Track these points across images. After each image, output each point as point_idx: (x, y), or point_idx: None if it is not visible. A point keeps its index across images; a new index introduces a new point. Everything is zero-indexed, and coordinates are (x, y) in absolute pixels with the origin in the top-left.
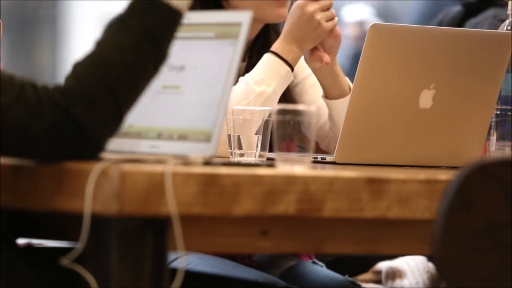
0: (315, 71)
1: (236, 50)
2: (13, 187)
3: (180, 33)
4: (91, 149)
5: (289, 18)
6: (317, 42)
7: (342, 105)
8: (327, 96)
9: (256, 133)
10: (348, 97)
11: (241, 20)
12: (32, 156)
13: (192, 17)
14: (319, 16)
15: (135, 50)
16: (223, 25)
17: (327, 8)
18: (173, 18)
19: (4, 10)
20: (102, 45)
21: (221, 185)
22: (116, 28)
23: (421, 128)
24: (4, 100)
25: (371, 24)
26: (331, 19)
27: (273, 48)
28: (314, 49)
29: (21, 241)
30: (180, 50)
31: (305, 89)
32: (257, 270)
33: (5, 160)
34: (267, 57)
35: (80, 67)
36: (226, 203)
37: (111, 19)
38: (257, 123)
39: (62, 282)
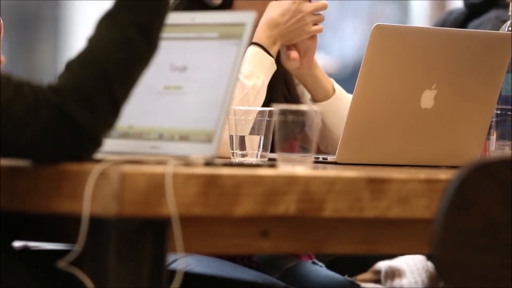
0: (294, 73)
1: (239, 50)
2: (11, 189)
3: (183, 33)
4: (89, 146)
5: (279, 7)
6: (294, 41)
7: (327, 107)
8: (313, 99)
9: (257, 134)
10: (332, 99)
11: (245, 21)
12: (30, 156)
13: (195, 18)
14: (309, 19)
15: (126, 46)
16: (226, 25)
17: (319, 10)
18: (162, 8)
19: (4, 9)
20: (94, 42)
21: (222, 185)
22: (107, 24)
23: (422, 128)
24: (2, 99)
25: (374, 25)
26: (317, 22)
27: (257, 40)
28: (288, 48)
29: (17, 243)
30: (183, 51)
31: None
32: (256, 271)
33: (3, 162)
34: (252, 50)
35: (73, 65)
36: (227, 203)
37: (101, 14)
38: (252, 122)
39: (60, 285)
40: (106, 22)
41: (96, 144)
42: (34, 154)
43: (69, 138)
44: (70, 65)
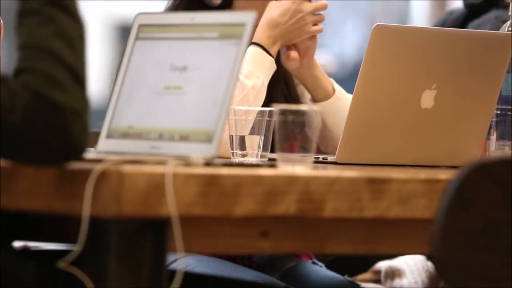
0: (294, 73)
1: (239, 50)
2: (10, 189)
3: (183, 33)
4: (71, 120)
5: (278, 7)
6: (294, 41)
7: (327, 107)
8: (313, 99)
9: (257, 134)
10: (332, 99)
11: (245, 21)
12: (20, 150)
13: (195, 18)
14: (309, 18)
15: (50, 21)
16: (226, 25)
17: (319, 10)
18: None
19: (4, 9)
20: (22, 39)
21: (222, 185)
22: (22, 19)
23: (422, 128)
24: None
25: (374, 25)
26: (317, 22)
27: (257, 40)
28: (288, 48)
29: (17, 244)
30: (183, 51)
31: None
32: (256, 271)
33: (3, 162)
34: (252, 50)
35: (20, 66)
36: (227, 203)
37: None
38: (252, 122)
39: (60, 285)
40: (20, 19)
41: (77, 116)
42: (22, 140)
43: (54, 123)
44: (17, 68)
